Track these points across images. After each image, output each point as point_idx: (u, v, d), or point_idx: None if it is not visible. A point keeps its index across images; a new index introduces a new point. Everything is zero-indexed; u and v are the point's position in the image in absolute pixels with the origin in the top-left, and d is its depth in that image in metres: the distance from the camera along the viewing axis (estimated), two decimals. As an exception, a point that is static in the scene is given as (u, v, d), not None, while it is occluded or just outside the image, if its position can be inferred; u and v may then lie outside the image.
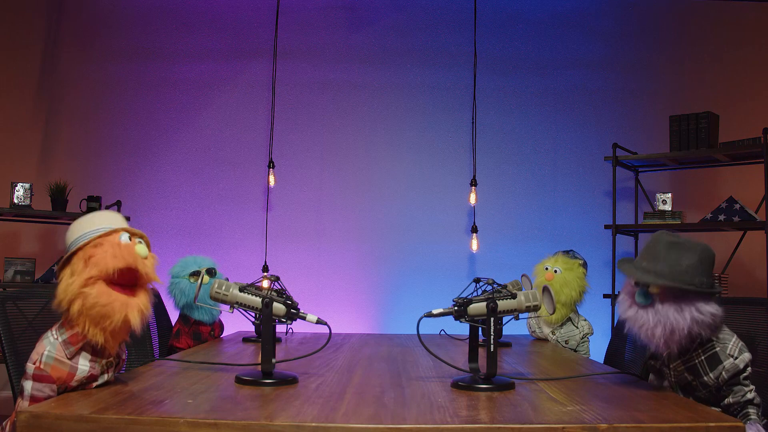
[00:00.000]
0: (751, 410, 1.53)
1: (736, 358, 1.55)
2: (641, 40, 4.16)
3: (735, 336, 1.60)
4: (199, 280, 1.99)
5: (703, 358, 1.57)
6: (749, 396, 1.54)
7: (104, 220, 1.54)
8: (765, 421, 1.56)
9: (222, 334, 2.85)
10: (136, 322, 1.46)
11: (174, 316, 2.79)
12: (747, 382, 1.56)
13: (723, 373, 1.54)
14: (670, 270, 1.54)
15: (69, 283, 1.43)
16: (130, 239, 1.51)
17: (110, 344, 1.48)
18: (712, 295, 1.55)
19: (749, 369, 1.56)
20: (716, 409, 1.57)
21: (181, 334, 2.66)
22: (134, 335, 1.55)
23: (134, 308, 1.46)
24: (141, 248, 1.51)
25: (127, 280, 1.48)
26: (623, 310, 1.62)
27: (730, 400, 1.55)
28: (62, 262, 1.48)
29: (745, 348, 1.59)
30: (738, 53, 4.07)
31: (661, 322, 1.52)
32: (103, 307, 1.41)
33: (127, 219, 3.80)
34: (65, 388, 1.45)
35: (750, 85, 4.03)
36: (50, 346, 1.45)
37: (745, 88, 4.02)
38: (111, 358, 1.53)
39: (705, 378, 1.56)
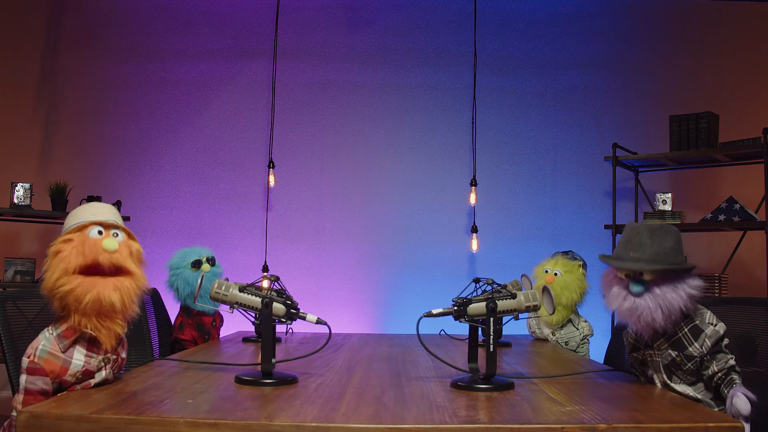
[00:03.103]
0: (735, 376, 1.60)
1: (716, 325, 1.64)
2: (641, 40, 4.16)
3: (707, 309, 1.69)
4: (199, 280, 2.00)
5: (686, 330, 1.64)
6: (732, 362, 1.62)
7: (86, 213, 1.54)
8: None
9: (223, 324, 2.86)
10: (112, 299, 1.45)
11: (173, 311, 2.80)
12: (727, 350, 1.64)
13: (706, 340, 1.61)
14: (658, 254, 1.63)
15: (46, 278, 1.45)
16: (101, 233, 1.51)
17: (103, 334, 1.48)
18: (691, 270, 1.66)
19: (726, 338, 1.65)
20: (700, 389, 1.63)
21: (185, 326, 2.67)
22: (134, 334, 1.55)
23: (107, 286, 1.45)
24: (109, 243, 1.49)
25: (96, 272, 1.47)
26: (619, 303, 1.67)
27: (714, 368, 1.61)
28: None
29: (719, 319, 1.68)
30: (738, 53, 4.07)
31: (660, 305, 1.60)
32: (71, 292, 1.43)
33: (127, 219, 3.81)
34: (60, 382, 1.46)
35: (750, 85, 4.03)
36: (45, 340, 1.47)
37: (745, 88, 4.02)
38: (108, 354, 1.53)
39: (690, 348, 1.62)
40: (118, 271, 1.50)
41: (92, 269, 1.47)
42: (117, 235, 1.53)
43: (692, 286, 1.62)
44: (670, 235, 1.65)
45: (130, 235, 1.58)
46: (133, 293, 1.51)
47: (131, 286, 1.51)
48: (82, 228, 1.50)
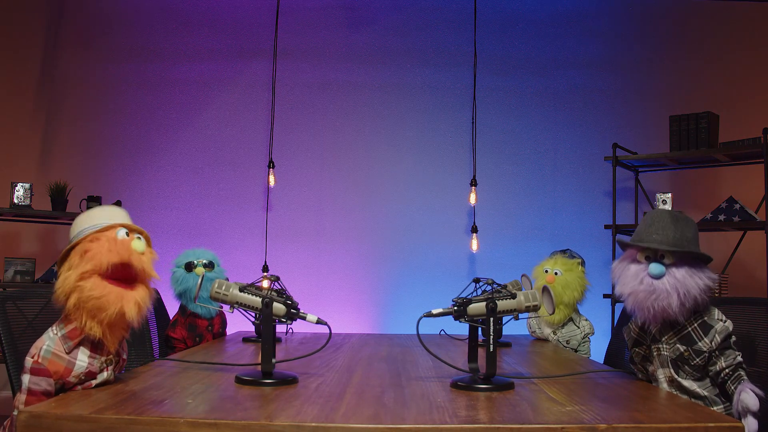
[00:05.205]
0: (742, 372, 1.62)
1: (725, 321, 1.65)
2: (641, 40, 4.16)
3: (714, 307, 1.71)
4: (199, 280, 1.99)
5: (696, 325, 1.66)
6: (739, 359, 1.63)
7: (105, 215, 1.56)
8: None
9: (225, 328, 2.85)
10: (132, 314, 1.47)
11: (173, 311, 2.81)
12: (734, 347, 1.65)
13: (716, 335, 1.63)
14: (681, 240, 1.64)
15: (66, 276, 1.45)
16: (128, 234, 1.53)
17: (109, 339, 1.49)
18: (709, 261, 1.69)
19: (734, 336, 1.66)
20: (706, 386, 1.64)
21: (178, 324, 2.68)
22: (134, 333, 1.56)
23: (130, 301, 1.47)
24: (138, 244, 1.52)
25: (123, 274, 1.49)
26: (635, 284, 1.66)
27: (722, 363, 1.62)
28: (61, 257, 1.50)
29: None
30: (738, 53, 4.07)
31: (678, 289, 1.60)
32: (97, 300, 1.43)
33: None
34: (63, 383, 1.45)
35: (750, 85, 4.03)
36: (49, 340, 1.46)
37: (745, 88, 4.02)
38: (110, 356, 1.53)
39: (700, 343, 1.64)
40: (142, 275, 1.52)
41: (123, 269, 1.48)
42: (140, 238, 1.56)
43: (709, 276, 1.63)
44: (690, 225, 1.68)
45: (149, 242, 1.61)
46: (146, 307, 1.54)
47: (147, 300, 1.54)
48: (108, 229, 1.51)
